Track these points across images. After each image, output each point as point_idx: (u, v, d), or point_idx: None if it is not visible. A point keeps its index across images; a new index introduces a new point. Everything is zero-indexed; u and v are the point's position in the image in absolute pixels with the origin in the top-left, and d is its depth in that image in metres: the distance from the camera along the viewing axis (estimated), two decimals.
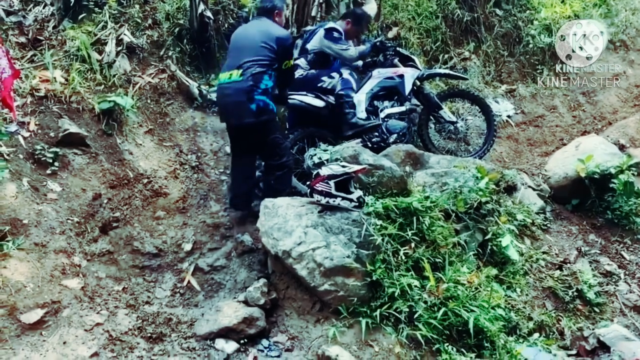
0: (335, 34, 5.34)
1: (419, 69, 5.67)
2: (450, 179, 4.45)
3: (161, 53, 5.69)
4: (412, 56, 5.81)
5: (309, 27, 5.84)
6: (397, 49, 5.82)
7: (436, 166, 4.87)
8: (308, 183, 4.09)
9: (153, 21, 5.82)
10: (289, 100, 5.09)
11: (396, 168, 4.39)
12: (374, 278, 3.61)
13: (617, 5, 8.54)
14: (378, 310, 3.53)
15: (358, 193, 3.89)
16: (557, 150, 6.16)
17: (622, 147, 6.01)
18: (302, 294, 3.81)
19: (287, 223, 3.88)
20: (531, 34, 7.51)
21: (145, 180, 4.91)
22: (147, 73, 5.53)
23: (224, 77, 4.52)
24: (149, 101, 5.39)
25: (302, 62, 5.41)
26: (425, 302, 3.54)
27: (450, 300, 3.55)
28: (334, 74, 5.31)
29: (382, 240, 3.70)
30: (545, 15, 7.61)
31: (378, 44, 5.68)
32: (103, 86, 5.13)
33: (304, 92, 5.23)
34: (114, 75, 5.24)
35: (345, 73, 5.32)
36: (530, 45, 7.44)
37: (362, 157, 4.36)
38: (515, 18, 7.60)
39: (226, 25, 6.08)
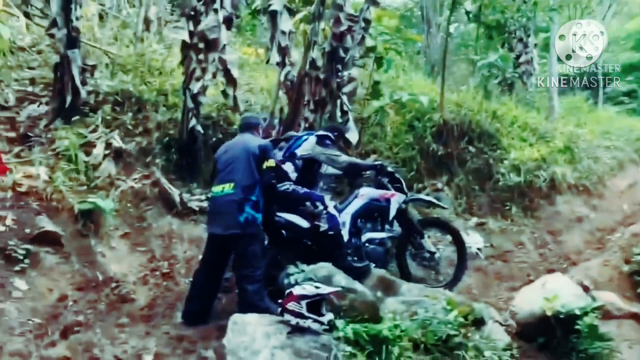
0: (328, 142, 5.41)
1: (405, 192, 5.69)
2: (421, 308, 4.46)
3: (147, 159, 5.87)
4: (401, 178, 5.82)
5: (293, 132, 5.90)
6: (392, 171, 5.80)
7: (407, 294, 4.90)
8: (280, 301, 4.07)
9: (144, 129, 6.07)
10: (276, 218, 5.08)
11: (368, 292, 4.42)
12: None
13: (580, 153, 9.19)
14: None
15: (329, 316, 3.88)
16: (524, 286, 6.26)
17: (585, 289, 6.12)
18: None
19: (255, 342, 3.80)
20: (501, 172, 7.97)
21: (114, 285, 4.84)
22: (131, 177, 5.66)
23: (216, 190, 4.71)
24: (128, 205, 5.46)
25: (289, 167, 5.36)
26: None
27: None
28: (318, 203, 5.22)
29: None
30: (515, 156, 8.13)
31: (379, 166, 5.64)
32: (86, 187, 5.23)
33: (291, 213, 5.17)
34: (98, 177, 5.35)
35: (330, 206, 5.24)
36: (500, 183, 7.86)
37: (335, 279, 4.39)
38: (487, 156, 8.11)
39: (214, 139, 6.35)
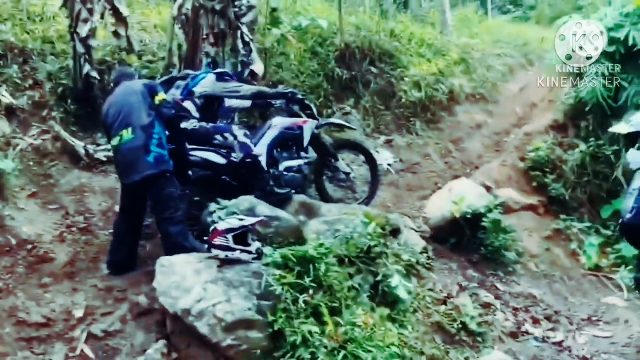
0: (227, 77, 5.39)
1: (316, 118, 5.78)
2: (342, 226, 4.70)
3: (44, 114, 5.54)
4: (311, 105, 5.91)
5: (189, 71, 5.67)
6: (303, 98, 5.85)
7: (328, 214, 5.12)
8: (206, 239, 4.13)
9: (34, 81, 5.68)
10: (190, 157, 5.02)
11: (292, 218, 4.58)
12: (276, 328, 3.69)
13: (475, 63, 9.65)
14: None
15: (256, 245, 4.00)
16: (433, 194, 6.70)
17: (488, 189, 6.66)
18: (204, 351, 3.78)
19: (186, 280, 3.87)
20: (403, 90, 8.25)
21: (29, 247, 4.68)
22: (28, 134, 5.34)
23: (115, 142, 4.57)
24: (31, 163, 5.19)
25: (190, 106, 5.21)
26: (326, 348, 3.67)
27: (349, 343, 3.70)
28: (227, 134, 5.19)
29: (282, 289, 3.81)
30: (414, 73, 8.41)
31: (289, 94, 5.64)
32: None
33: (206, 148, 5.13)
34: None
35: (240, 135, 5.23)
36: (404, 100, 8.16)
37: (258, 210, 4.50)
38: (389, 76, 8.34)
39: (112, 85, 6.04)
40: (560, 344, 4.77)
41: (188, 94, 5.30)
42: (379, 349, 3.76)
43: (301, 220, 4.86)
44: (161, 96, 4.64)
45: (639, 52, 6.35)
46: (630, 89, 6.50)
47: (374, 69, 8.29)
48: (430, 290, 4.97)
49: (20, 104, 5.42)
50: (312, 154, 5.91)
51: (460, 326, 4.62)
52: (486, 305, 5.07)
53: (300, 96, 5.82)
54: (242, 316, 3.67)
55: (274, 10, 7.34)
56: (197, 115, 5.20)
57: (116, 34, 5.69)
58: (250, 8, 6.18)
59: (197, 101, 5.27)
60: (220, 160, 5.14)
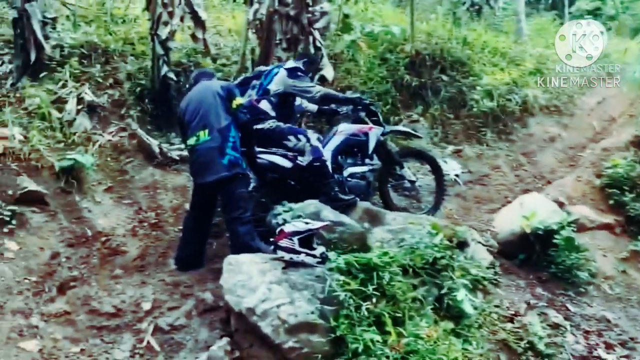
0: (299, 73, 5.32)
1: (382, 125, 5.73)
2: (407, 235, 4.62)
3: (122, 112, 5.79)
4: (377, 111, 5.87)
5: (263, 67, 5.72)
6: (369, 104, 5.80)
7: (392, 223, 5.05)
8: (272, 240, 4.17)
9: (114, 80, 5.95)
10: (257, 160, 5.09)
11: (356, 224, 4.55)
12: (338, 334, 3.66)
13: (549, 74, 9.30)
14: None
15: (321, 249, 4.00)
16: (502, 207, 6.49)
17: (561, 205, 6.39)
18: (266, 352, 3.81)
19: (251, 280, 3.92)
20: (474, 99, 8.05)
21: (104, 239, 4.88)
22: (107, 131, 5.60)
23: (192, 140, 4.67)
24: (108, 159, 5.43)
25: (266, 106, 5.26)
26: (388, 357, 3.61)
27: (411, 355, 3.63)
28: (301, 136, 5.23)
29: (345, 295, 3.78)
30: (487, 82, 8.20)
31: (357, 100, 5.63)
32: (63, 144, 5.16)
33: (273, 151, 5.19)
34: (74, 133, 5.27)
35: (314, 138, 5.25)
36: (474, 109, 7.96)
37: (323, 214, 4.51)
38: (460, 84, 8.16)
39: (187, 86, 6.24)
40: None
41: (264, 93, 5.31)
42: None
43: (365, 227, 4.82)
44: (238, 100, 4.72)
45: None
46: None
47: (444, 77, 8.15)
48: (496, 306, 4.80)
49: (101, 101, 5.70)
50: (377, 161, 5.86)
51: (527, 345, 4.43)
52: (555, 326, 4.83)
53: (367, 102, 5.77)
54: (304, 319, 3.67)
55: (346, 16, 7.39)
56: (273, 114, 5.25)
57: (194, 37, 5.88)
58: (323, 14, 6.24)
59: (273, 99, 5.29)
60: (286, 163, 5.18)
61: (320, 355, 3.63)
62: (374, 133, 5.57)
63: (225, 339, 3.94)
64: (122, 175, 5.43)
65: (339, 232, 4.38)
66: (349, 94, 5.92)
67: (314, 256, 3.95)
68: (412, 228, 4.77)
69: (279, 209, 4.75)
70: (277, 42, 6.09)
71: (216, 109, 4.62)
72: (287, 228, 3.99)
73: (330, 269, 3.94)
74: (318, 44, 6.13)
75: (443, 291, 4.41)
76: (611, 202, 6.73)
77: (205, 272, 4.91)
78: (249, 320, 3.78)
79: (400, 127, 6.60)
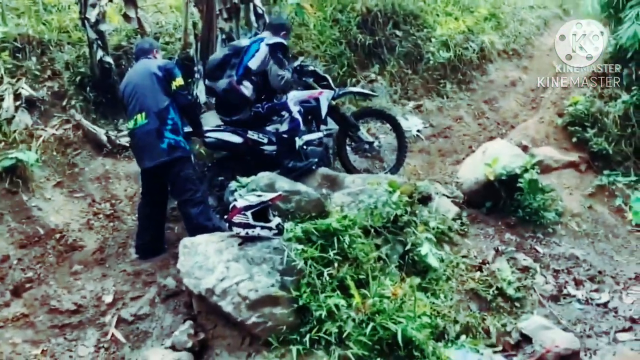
0: (280, 54, 5.15)
1: (332, 88, 5.61)
2: (365, 196, 4.54)
3: (64, 103, 5.56)
4: (326, 75, 5.77)
5: (240, 41, 5.38)
6: (315, 69, 5.72)
7: (351, 185, 4.98)
8: (225, 217, 4.06)
9: (52, 72, 5.70)
10: (206, 139, 5.02)
11: (312, 191, 4.45)
12: (301, 303, 3.59)
13: (505, 17, 9.18)
14: (308, 335, 3.50)
15: (277, 220, 3.90)
16: (466, 157, 6.43)
17: (524, 148, 6.36)
18: (230, 330, 3.73)
19: (208, 260, 3.82)
20: (431, 51, 7.91)
21: (58, 235, 4.74)
22: (50, 125, 5.37)
23: (130, 125, 4.56)
24: (55, 153, 5.23)
25: (248, 87, 5.06)
26: (353, 320, 3.56)
27: (377, 315, 3.57)
28: (284, 113, 5.17)
29: (305, 264, 3.71)
30: (442, 32, 8.05)
31: (298, 67, 5.50)
32: (3, 143, 4.93)
33: (221, 129, 5.10)
34: (14, 131, 5.04)
35: (295, 110, 5.16)
36: (432, 62, 7.83)
37: (278, 185, 4.39)
38: (415, 37, 8.01)
39: (129, 69, 6.01)
40: (605, 305, 4.51)
41: (244, 72, 5.07)
42: (409, 319, 3.62)
43: (323, 193, 4.73)
44: (178, 82, 4.54)
45: None
46: None
47: (398, 32, 7.97)
48: (464, 256, 4.78)
49: (40, 95, 5.45)
50: (333, 126, 5.75)
51: (496, 292, 4.43)
52: (524, 269, 4.84)
53: (311, 68, 5.65)
54: (265, 293, 3.59)
55: None
56: (253, 97, 5.10)
57: (126, 17, 5.61)
58: None
59: (254, 78, 5.10)
60: (235, 139, 5.08)
61: (284, 327, 3.57)
62: (325, 97, 5.48)
63: (189, 323, 3.85)
64: (71, 168, 5.23)
65: (296, 201, 4.27)
66: (298, 62, 5.70)
67: (269, 228, 3.85)
68: (370, 189, 4.70)
69: (233, 185, 4.62)
70: (218, 12, 5.85)
71: (153, 90, 4.47)
72: (239, 203, 3.87)
73: (288, 239, 3.86)
74: (259, 11, 5.91)
75: (407, 248, 4.38)
76: (574, 140, 6.72)
77: (167, 257, 4.79)
78: (209, 301, 3.70)
79: (353, 88, 6.47)
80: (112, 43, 6.01)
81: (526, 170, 5.46)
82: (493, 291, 4.41)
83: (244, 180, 4.60)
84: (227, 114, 5.17)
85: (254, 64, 5.06)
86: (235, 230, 3.90)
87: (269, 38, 5.20)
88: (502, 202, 5.56)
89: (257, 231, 3.85)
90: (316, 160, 5.28)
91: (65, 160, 5.23)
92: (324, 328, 3.52)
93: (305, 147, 5.37)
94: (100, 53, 5.40)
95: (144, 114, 4.43)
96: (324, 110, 5.46)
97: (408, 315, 3.65)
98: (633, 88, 6.61)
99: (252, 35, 5.73)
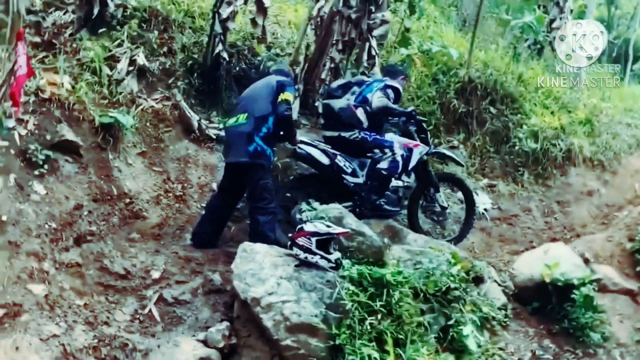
0: (390, 91, 5.52)
1: (428, 144, 5.75)
2: (425, 259, 4.58)
3: (170, 81, 5.83)
4: (427, 129, 5.91)
5: (364, 77, 5.88)
6: (423, 123, 5.90)
7: (413, 244, 5.01)
8: (290, 235, 4.16)
9: (168, 49, 5.99)
10: (298, 150, 5.25)
11: (376, 237, 4.51)
12: (337, 342, 3.65)
13: (600, 126, 9.07)
14: None
15: (337, 255, 3.98)
16: (525, 251, 6.34)
17: (586, 261, 6.20)
18: (262, 344, 3.81)
19: (262, 271, 3.92)
20: (519, 137, 7.90)
21: (128, 200, 4.94)
22: (152, 97, 5.64)
23: (231, 120, 4.94)
24: (147, 124, 5.47)
25: (361, 113, 5.42)
26: None
27: None
28: (387, 150, 5.37)
29: (352, 306, 3.76)
30: (535, 122, 8.03)
31: (412, 112, 5.70)
32: (107, 101, 5.21)
33: (315, 144, 5.33)
34: (120, 93, 5.33)
35: (399, 152, 5.40)
36: (517, 147, 7.81)
37: (345, 221, 4.47)
38: (507, 119, 8.01)
39: (237, 69, 6.29)
40: None
41: (362, 101, 5.46)
42: None
43: (385, 242, 4.77)
44: (286, 95, 4.83)
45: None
46: None
47: (492, 109, 8.01)
48: (500, 349, 4.70)
49: (152, 67, 5.74)
50: (411, 179, 5.84)
51: None
52: None
53: (419, 118, 5.84)
54: (307, 320, 3.66)
55: (407, 30, 7.32)
56: (366, 123, 5.41)
57: (254, 22, 5.90)
58: (384, 22, 6.21)
59: (369, 109, 5.43)
60: (324, 159, 5.29)
61: (315, 359, 3.61)
62: (419, 150, 5.61)
63: (225, 324, 3.95)
64: (158, 143, 5.47)
65: (358, 242, 4.34)
66: (407, 107, 5.95)
67: (328, 260, 3.94)
68: (432, 253, 4.73)
69: (304, 206, 4.74)
70: (334, 42, 6.07)
71: (262, 98, 4.84)
72: (308, 227, 3.98)
73: (342, 277, 3.93)
74: (373, 52, 6.09)
75: (450, 322, 4.36)
76: (638, 268, 6.51)
77: (218, 253, 4.94)
78: (252, 310, 3.80)
79: (446, 151, 6.40)
80: (229, 40, 6.29)
81: (584, 284, 5.35)
82: None
83: (316, 204, 4.71)
84: (334, 130, 5.44)
85: (372, 97, 5.44)
86: (296, 251, 4.00)
87: (389, 80, 5.62)
88: (550, 307, 5.44)
89: (317, 259, 3.94)
90: (399, 210, 5.48)
91: (155, 133, 5.48)
92: None
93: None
94: (219, 47, 5.68)
95: (246, 114, 4.79)
96: (413, 162, 5.57)
97: None
98: None
99: (360, 73, 5.94)
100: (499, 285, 5.49)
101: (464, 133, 7.77)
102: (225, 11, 5.62)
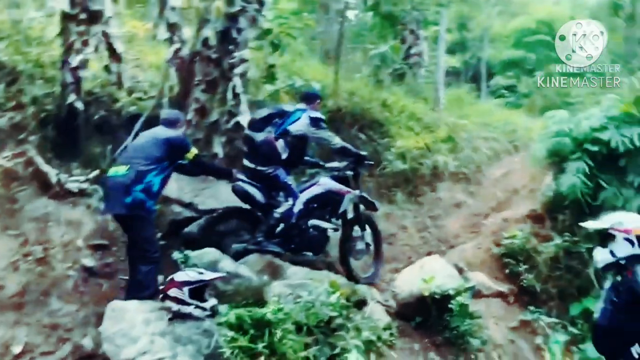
0: (322, 123, 5.69)
1: (359, 188, 6.09)
2: (304, 291, 4.58)
3: (21, 136, 5.43)
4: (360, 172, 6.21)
5: (285, 107, 5.93)
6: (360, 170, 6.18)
7: (293, 277, 5.01)
8: (161, 288, 3.99)
9: (18, 103, 5.60)
10: (236, 186, 5.40)
11: (254, 277, 4.46)
12: None
13: (461, 142, 9.79)
14: None
15: (212, 302, 3.87)
16: (405, 268, 6.59)
17: (460, 270, 6.57)
18: None
19: (134, 329, 3.71)
20: (388, 159, 8.29)
21: None
22: (1, 155, 5.22)
23: (112, 171, 4.76)
24: None
25: (281, 146, 5.52)
26: None
27: None
28: (289, 199, 5.56)
29: (232, 353, 3.66)
30: (401, 144, 8.49)
31: (362, 156, 6.04)
32: None
33: (253, 183, 5.43)
34: None
35: (298, 205, 5.55)
36: (387, 169, 8.18)
37: (220, 265, 4.39)
38: (376, 143, 8.40)
39: (96, 117, 6.01)
40: None
41: (282, 132, 5.56)
42: None
43: (264, 280, 4.73)
44: (192, 152, 4.89)
45: (619, 155, 6.43)
46: (608, 190, 6.56)
47: (362, 135, 8.36)
48: None
49: (0, 123, 5.33)
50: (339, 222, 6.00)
51: None
52: None
53: (369, 163, 6.35)
54: None
55: (271, 66, 7.44)
56: (284, 156, 5.55)
57: (107, 69, 5.70)
58: (243, 61, 6.25)
59: (289, 140, 5.57)
60: (260, 197, 5.46)
61: None
62: (350, 197, 5.88)
63: None
64: (11, 204, 5.05)
65: (235, 285, 4.27)
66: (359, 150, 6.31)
67: (203, 309, 3.81)
68: (311, 284, 4.74)
69: (176, 254, 4.59)
70: (197, 82, 6.03)
71: (148, 153, 4.69)
72: (178, 277, 3.84)
73: (220, 324, 3.82)
74: (237, 90, 6.12)
75: (336, 351, 4.37)
76: (507, 271, 7.01)
77: (89, 314, 4.61)
78: None
79: (366, 196, 6.48)
80: (86, 87, 6.02)
81: (459, 293, 5.62)
82: None
83: (186, 252, 4.58)
84: (255, 164, 5.53)
85: (293, 128, 5.56)
86: (168, 303, 3.84)
87: (310, 111, 5.73)
88: (431, 320, 5.66)
89: (190, 309, 3.80)
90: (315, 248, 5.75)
91: (7, 194, 5.06)
92: None
93: (311, 230, 5.67)
94: (72, 97, 5.40)
95: (127, 166, 4.62)
96: (344, 207, 5.84)
97: None
98: (565, 234, 7.04)
99: (227, 112, 5.96)
100: (382, 305, 5.63)
101: (337, 160, 7.99)
102: (74, 60, 5.38)
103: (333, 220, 5.92)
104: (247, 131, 5.76)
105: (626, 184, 6.47)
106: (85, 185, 5.37)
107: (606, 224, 4.17)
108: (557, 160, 7.41)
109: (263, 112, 5.77)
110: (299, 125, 5.58)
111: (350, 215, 6.04)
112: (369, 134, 8.44)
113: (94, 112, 5.99)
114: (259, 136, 5.52)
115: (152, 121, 6.06)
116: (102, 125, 6.07)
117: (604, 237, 4.21)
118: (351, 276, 5.84)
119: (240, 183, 5.41)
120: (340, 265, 6.02)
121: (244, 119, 6.08)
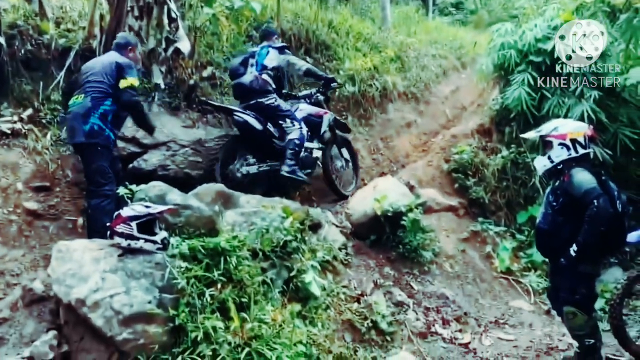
0: (287, 51, 6.32)
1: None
2: (258, 218, 4.56)
3: None
4: (329, 97, 6.89)
5: (252, 48, 6.63)
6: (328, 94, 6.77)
7: (246, 205, 4.96)
8: (108, 225, 3.88)
9: None
10: (235, 117, 5.83)
11: (205, 207, 4.37)
12: (177, 323, 3.51)
13: (409, 61, 9.70)
14: (180, 357, 3.42)
15: (163, 234, 3.78)
16: (358, 190, 6.66)
17: (411, 188, 6.69)
18: (98, 345, 3.54)
19: (83, 268, 3.61)
20: (338, 83, 8.13)
21: None
22: None
23: (71, 101, 4.79)
24: None
25: (267, 78, 6.02)
26: (229, 344, 3.52)
27: (254, 340, 3.58)
28: (295, 122, 6.01)
29: (187, 282, 3.63)
30: (350, 67, 8.33)
31: (330, 79, 6.61)
32: None
33: (247, 112, 5.82)
34: None
35: (304, 128, 6.07)
36: (337, 93, 8.06)
37: (169, 197, 4.26)
38: (324, 67, 8.20)
39: (22, 51, 5.60)
40: (466, 345, 4.84)
41: (262, 68, 6.12)
42: (285, 346, 3.66)
43: (216, 210, 4.66)
44: (129, 81, 4.74)
45: (562, 65, 6.50)
46: (552, 99, 6.69)
47: (309, 59, 8.13)
48: (344, 287, 4.92)
49: None
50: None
51: (370, 325, 4.60)
52: (399, 304, 5.07)
53: (335, 85, 6.87)
54: (141, 309, 3.45)
55: None
56: (274, 87, 6.06)
57: None
58: None
59: (271, 73, 6.09)
60: (257, 125, 5.86)
61: (157, 346, 3.45)
62: (327, 117, 6.56)
63: (52, 333, 3.62)
64: None
65: (186, 216, 4.17)
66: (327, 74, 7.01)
67: (154, 242, 3.72)
68: (264, 211, 4.72)
69: (121, 189, 4.43)
70: (129, 9, 5.65)
71: (100, 79, 4.70)
72: (125, 212, 3.71)
73: (172, 255, 3.76)
74: (173, 15, 5.77)
75: (292, 274, 4.43)
76: (456, 185, 7.21)
77: (37, 257, 4.48)
78: (78, 312, 3.50)
79: (339, 118, 7.24)
80: (8, 20, 5.56)
81: (410, 210, 5.76)
82: (368, 323, 4.57)
83: (131, 186, 4.43)
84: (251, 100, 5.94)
85: (268, 62, 6.14)
86: (117, 240, 3.74)
87: (272, 43, 6.35)
88: (385, 237, 5.81)
89: (140, 244, 3.71)
90: (311, 172, 6.33)
91: None
92: (198, 350, 3.45)
93: (304, 152, 6.12)
94: None
95: (83, 95, 4.67)
96: (324, 127, 6.54)
97: (284, 342, 3.69)
98: (512, 145, 7.23)
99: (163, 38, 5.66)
100: (337, 226, 5.71)
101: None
102: None
103: (315, 141, 6.47)
104: (234, 81, 6.18)
105: (568, 92, 6.60)
106: (18, 126, 5.07)
107: (543, 132, 4.29)
108: (503, 74, 7.47)
109: (238, 60, 6.36)
110: (271, 58, 6.15)
111: (327, 135, 6.69)
112: (316, 57, 8.23)
113: (20, 46, 5.56)
114: (246, 78, 6.00)
115: (83, 54, 5.75)
116: (30, 61, 5.67)
117: (544, 145, 4.34)
118: (337, 191, 6.59)
119: (238, 114, 5.78)
120: (326, 184, 6.68)
121: (184, 45, 5.79)
